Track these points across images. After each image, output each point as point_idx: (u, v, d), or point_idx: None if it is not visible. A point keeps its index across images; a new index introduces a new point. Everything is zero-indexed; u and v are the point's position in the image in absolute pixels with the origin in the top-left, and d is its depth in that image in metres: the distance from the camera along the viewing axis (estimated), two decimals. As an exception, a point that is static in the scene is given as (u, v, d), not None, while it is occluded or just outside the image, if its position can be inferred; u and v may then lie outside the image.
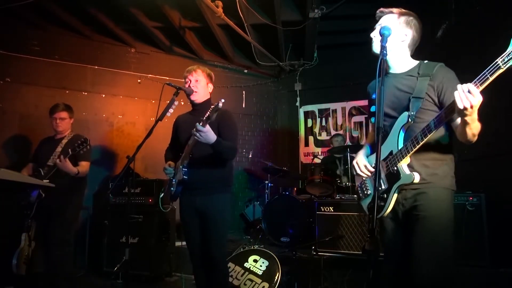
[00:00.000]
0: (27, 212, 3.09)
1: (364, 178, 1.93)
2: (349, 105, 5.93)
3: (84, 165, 3.24)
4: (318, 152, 6.09)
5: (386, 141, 1.73)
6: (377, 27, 1.81)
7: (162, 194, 2.59)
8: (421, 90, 1.67)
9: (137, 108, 5.21)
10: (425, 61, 1.78)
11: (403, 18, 1.80)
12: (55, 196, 3.05)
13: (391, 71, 1.85)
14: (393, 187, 1.67)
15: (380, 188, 1.73)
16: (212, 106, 2.05)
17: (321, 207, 3.72)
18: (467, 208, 2.93)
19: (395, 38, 1.76)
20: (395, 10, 1.82)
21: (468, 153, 3.33)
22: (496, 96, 3.21)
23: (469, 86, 1.35)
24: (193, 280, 2.54)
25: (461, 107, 1.37)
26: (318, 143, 6.15)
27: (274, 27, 4.75)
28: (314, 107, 6.22)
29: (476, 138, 1.56)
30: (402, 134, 1.68)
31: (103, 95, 5.00)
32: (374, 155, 1.88)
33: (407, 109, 1.67)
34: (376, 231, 1.30)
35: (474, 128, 1.50)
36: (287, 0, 4.66)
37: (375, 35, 1.81)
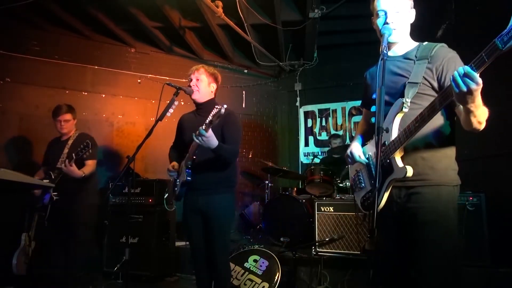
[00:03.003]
0: (43, 214, 3.17)
1: (357, 170, 1.83)
2: (349, 105, 5.93)
3: (90, 164, 3.27)
4: (318, 152, 6.09)
5: None
6: (390, 11, 1.62)
7: (167, 194, 2.61)
8: (418, 74, 1.53)
9: (137, 108, 5.21)
10: (425, 43, 1.65)
11: None
12: (67, 198, 3.12)
13: (389, 53, 1.69)
14: (385, 180, 1.52)
15: (372, 182, 1.62)
16: (215, 111, 2.05)
17: (321, 207, 3.72)
18: (467, 208, 2.92)
19: (407, 18, 1.66)
20: None
21: (468, 153, 3.33)
22: (495, 96, 3.21)
23: (466, 68, 1.21)
24: (193, 280, 2.54)
25: (457, 91, 1.24)
26: (318, 143, 6.15)
27: (274, 27, 4.75)
28: (314, 107, 6.22)
29: (483, 125, 1.41)
30: (396, 123, 1.54)
31: (103, 95, 5.00)
32: (368, 146, 1.80)
33: (403, 95, 1.53)
34: (376, 231, 1.29)
35: (479, 115, 1.36)
36: (287, 0, 4.67)
37: (392, 21, 1.61)
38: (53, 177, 3.15)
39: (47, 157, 3.43)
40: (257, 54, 5.69)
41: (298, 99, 6.28)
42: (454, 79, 1.24)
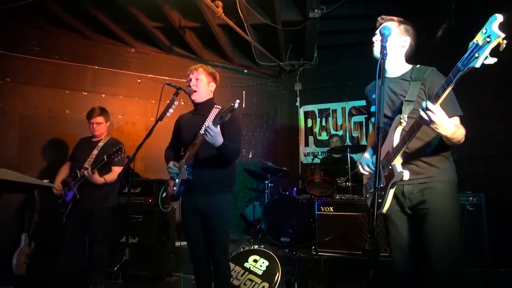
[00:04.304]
0: (62, 210, 3.23)
1: (368, 178, 2.04)
2: (349, 105, 5.93)
3: (116, 171, 3.32)
4: (318, 152, 6.10)
5: (385, 141, 1.85)
6: (378, 32, 1.89)
7: (164, 194, 2.59)
8: (413, 93, 1.78)
9: (137, 108, 5.21)
10: (417, 66, 1.89)
11: (403, 26, 1.90)
12: (89, 199, 3.18)
13: (387, 74, 1.93)
14: (388, 184, 1.78)
15: (380, 186, 1.83)
16: (215, 109, 2.03)
17: (321, 207, 3.72)
18: (467, 208, 2.93)
19: (396, 44, 1.88)
20: (395, 18, 1.92)
21: (468, 153, 3.33)
22: (495, 98, 3.22)
23: (428, 104, 1.47)
24: (193, 280, 2.54)
25: (421, 122, 1.51)
26: (318, 143, 6.15)
27: (274, 27, 4.74)
28: (314, 107, 6.22)
29: (461, 141, 1.65)
30: (397, 135, 1.79)
31: (103, 95, 5.00)
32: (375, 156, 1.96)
33: (401, 112, 1.78)
34: (376, 231, 1.30)
35: (453, 138, 1.60)
36: (287, 0, 4.66)
37: (376, 39, 1.89)
38: (79, 175, 3.21)
39: (74, 153, 3.48)
40: (257, 54, 5.68)
41: (298, 99, 6.28)
42: (419, 115, 1.51)
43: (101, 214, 3.24)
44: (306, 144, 6.23)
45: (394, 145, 1.77)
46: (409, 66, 1.91)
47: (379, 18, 1.95)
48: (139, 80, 5.20)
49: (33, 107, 4.52)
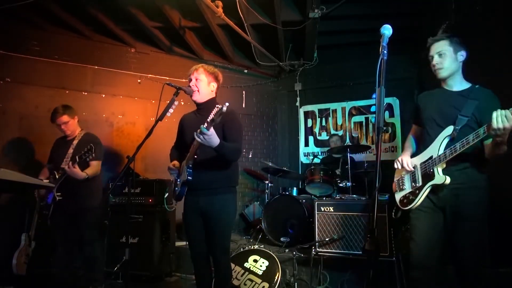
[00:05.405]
0: (46, 212, 3.20)
1: (402, 175, 2.23)
2: (349, 105, 5.93)
3: (95, 165, 3.25)
4: (318, 152, 6.10)
5: (429, 147, 2.06)
6: (435, 55, 2.08)
7: (167, 194, 2.59)
8: (469, 110, 1.96)
9: (137, 108, 5.21)
10: (476, 86, 2.07)
11: (454, 40, 2.06)
12: (72, 199, 3.14)
13: (446, 87, 2.13)
14: (426, 185, 2.01)
15: (415, 185, 2.09)
16: (216, 109, 2.03)
17: (321, 207, 3.72)
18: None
19: (456, 61, 2.05)
20: (444, 35, 2.09)
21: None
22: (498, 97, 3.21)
23: (507, 112, 1.62)
24: (193, 280, 2.54)
25: (495, 126, 1.64)
26: (318, 143, 6.15)
27: (274, 27, 4.75)
28: (314, 107, 6.22)
29: (505, 152, 1.81)
30: (445, 143, 1.98)
31: (103, 95, 5.00)
32: (417, 156, 2.17)
33: (454, 124, 1.97)
34: (376, 231, 1.30)
35: (502, 149, 1.79)
36: (287, 0, 4.66)
37: (437, 62, 2.06)
38: (57, 176, 3.17)
39: (52, 155, 3.43)
40: (257, 54, 5.69)
41: (298, 99, 6.28)
42: (496, 116, 1.65)
43: (87, 214, 3.20)
44: (306, 144, 6.23)
45: (441, 152, 1.96)
46: (469, 84, 2.08)
47: (429, 39, 2.11)
48: (139, 80, 5.20)
49: (33, 107, 4.52)
